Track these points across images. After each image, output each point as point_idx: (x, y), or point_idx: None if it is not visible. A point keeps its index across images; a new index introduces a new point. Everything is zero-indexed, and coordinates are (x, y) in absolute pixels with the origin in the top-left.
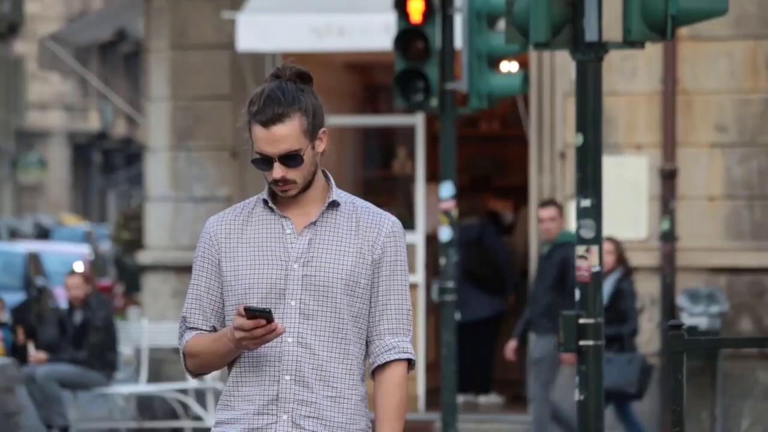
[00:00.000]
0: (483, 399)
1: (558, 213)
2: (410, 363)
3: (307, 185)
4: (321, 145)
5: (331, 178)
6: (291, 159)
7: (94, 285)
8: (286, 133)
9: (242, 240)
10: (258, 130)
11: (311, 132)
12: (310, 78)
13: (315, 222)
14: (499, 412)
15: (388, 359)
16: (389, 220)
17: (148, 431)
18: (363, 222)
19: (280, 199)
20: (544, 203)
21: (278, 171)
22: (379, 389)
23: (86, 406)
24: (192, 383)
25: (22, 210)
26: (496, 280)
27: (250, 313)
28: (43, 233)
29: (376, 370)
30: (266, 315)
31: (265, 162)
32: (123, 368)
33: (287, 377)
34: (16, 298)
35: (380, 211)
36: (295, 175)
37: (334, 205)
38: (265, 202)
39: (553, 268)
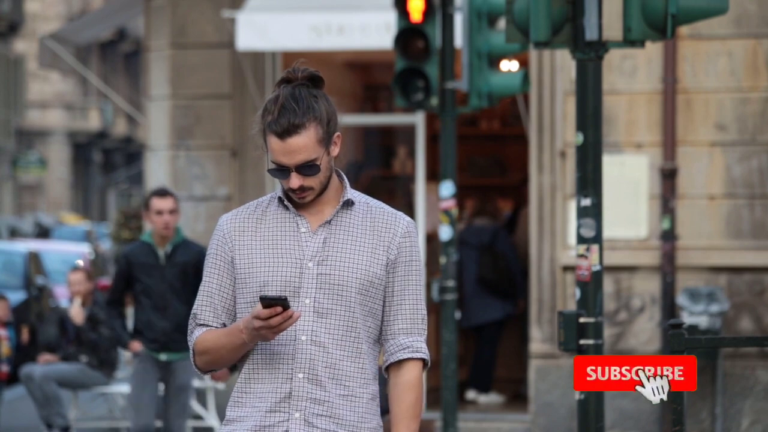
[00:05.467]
0: (483, 398)
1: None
2: (424, 363)
3: (323, 189)
4: (335, 150)
5: (345, 178)
6: (308, 168)
7: (95, 283)
8: (302, 144)
9: (256, 238)
10: (274, 142)
11: (326, 139)
12: (321, 80)
13: (330, 221)
14: (499, 412)
15: (401, 357)
16: (404, 221)
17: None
18: (378, 222)
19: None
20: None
21: (295, 181)
22: (393, 390)
23: (86, 406)
24: (192, 382)
25: (22, 209)
26: (507, 285)
27: (266, 301)
28: (43, 232)
29: (391, 369)
30: (282, 302)
31: (281, 171)
32: (123, 367)
33: (300, 375)
34: (16, 297)
35: (394, 211)
36: (312, 182)
37: (348, 204)
38: (280, 200)
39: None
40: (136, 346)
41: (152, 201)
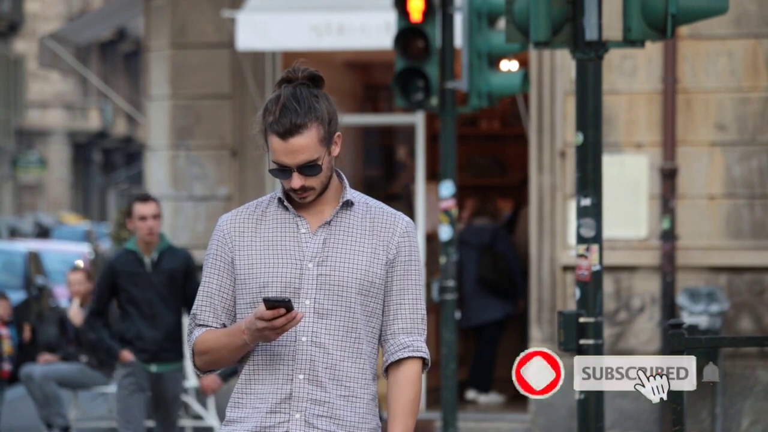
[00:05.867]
0: (483, 398)
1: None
2: (424, 362)
3: (324, 189)
4: (336, 149)
5: (345, 178)
6: (309, 169)
7: (94, 283)
8: (304, 145)
9: (256, 238)
10: (275, 142)
11: (327, 139)
12: (322, 80)
13: (329, 222)
14: (499, 411)
15: (401, 357)
16: (403, 221)
17: (148, 430)
18: (377, 222)
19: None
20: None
21: (297, 181)
22: (392, 386)
23: (86, 406)
24: (192, 382)
25: (22, 209)
26: (507, 285)
27: (270, 303)
28: (43, 232)
29: (390, 368)
30: (286, 304)
31: (283, 172)
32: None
33: (301, 376)
34: (16, 297)
35: (393, 211)
36: (314, 182)
37: (348, 204)
38: (280, 200)
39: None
40: (128, 355)
41: (135, 207)
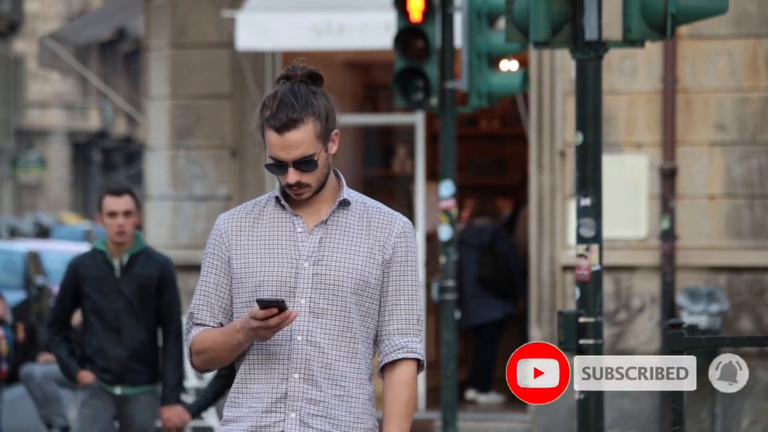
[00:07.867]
0: (483, 398)
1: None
2: (420, 363)
3: (320, 186)
4: (333, 147)
5: (342, 177)
6: (305, 164)
7: None
8: (300, 139)
9: (253, 237)
10: (271, 136)
11: (324, 135)
12: (321, 78)
13: (326, 221)
14: (499, 411)
15: (396, 358)
16: (400, 221)
17: None
18: (374, 222)
19: (292, 197)
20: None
21: (292, 176)
22: (387, 388)
23: None
24: (191, 382)
25: (22, 209)
26: (507, 285)
27: (263, 303)
28: (43, 232)
29: (385, 369)
30: (279, 304)
31: (279, 167)
32: None
33: (296, 375)
34: (16, 297)
35: (391, 211)
36: (310, 179)
37: (344, 204)
38: (277, 199)
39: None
40: (87, 377)
41: (105, 200)
